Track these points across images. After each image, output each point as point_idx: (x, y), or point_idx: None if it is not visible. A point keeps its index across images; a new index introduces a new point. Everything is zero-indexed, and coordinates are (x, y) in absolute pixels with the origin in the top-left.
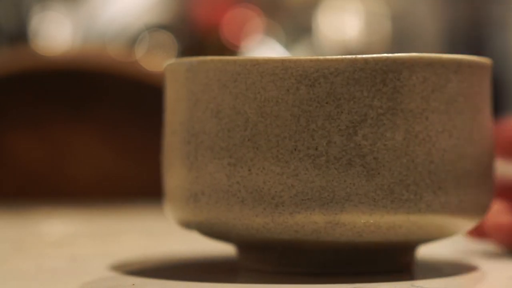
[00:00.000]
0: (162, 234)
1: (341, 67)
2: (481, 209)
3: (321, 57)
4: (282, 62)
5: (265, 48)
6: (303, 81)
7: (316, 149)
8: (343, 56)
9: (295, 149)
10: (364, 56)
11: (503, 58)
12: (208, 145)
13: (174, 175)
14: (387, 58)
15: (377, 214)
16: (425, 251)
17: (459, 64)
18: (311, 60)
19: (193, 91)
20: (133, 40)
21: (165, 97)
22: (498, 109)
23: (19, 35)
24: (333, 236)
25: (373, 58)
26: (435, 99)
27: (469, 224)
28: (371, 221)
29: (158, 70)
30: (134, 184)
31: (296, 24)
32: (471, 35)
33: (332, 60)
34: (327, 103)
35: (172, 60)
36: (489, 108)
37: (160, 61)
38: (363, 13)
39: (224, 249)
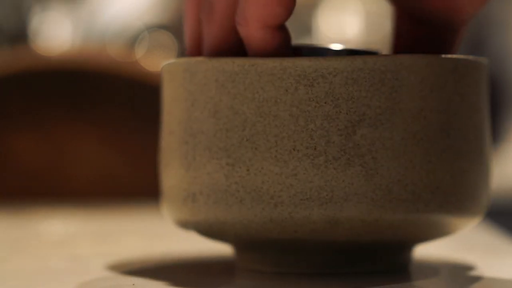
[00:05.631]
0: (162, 234)
1: (340, 67)
2: (479, 209)
3: (319, 57)
4: (280, 62)
5: None
6: (301, 81)
7: (315, 149)
8: (342, 56)
9: (293, 149)
10: (362, 56)
11: (503, 58)
12: (206, 145)
13: (171, 175)
14: (386, 58)
15: (375, 214)
16: (423, 251)
17: (456, 64)
18: (309, 60)
19: (191, 91)
20: (133, 40)
21: (162, 97)
22: (498, 109)
23: (19, 35)
24: (332, 236)
25: (371, 58)
26: (433, 99)
27: (466, 223)
28: (370, 221)
29: (158, 70)
30: (134, 184)
31: (296, 24)
32: (471, 35)
33: (330, 60)
34: (325, 103)
35: (169, 60)
36: (486, 108)
37: (160, 61)
38: (363, 13)
39: (221, 249)
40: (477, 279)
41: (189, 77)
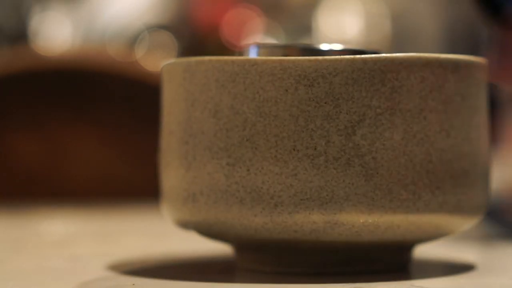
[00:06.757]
0: (161, 234)
1: (340, 67)
2: (479, 209)
3: (319, 57)
4: (280, 62)
5: None
6: (301, 81)
7: (315, 149)
8: (342, 56)
9: (294, 149)
10: (362, 56)
11: None
12: (206, 145)
13: (171, 175)
14: (386, 58)
15: (375, 214)
16: (423, 250)
17: (456, 64)
18: (309, 60)
19: (191, 91)
20: (133, 40)
21: (162, 98)
22: (498, 109)
23: (19, 35)
24: (332, 236)
25: (371, 58)
26: (433, 99)
27: (466, 223)
28: (370, 221)
29: (158, 70)
30: (134, 184)
31: (296, 24)
32: (471, 35)
33: (330, 60)
34: (325, 103)
35: (169, 60)
36: (485, 108)
37: (160, 61)
38: (363, 13)
39: (221, 249)
40: (477, 278)
41: (189, 77)
